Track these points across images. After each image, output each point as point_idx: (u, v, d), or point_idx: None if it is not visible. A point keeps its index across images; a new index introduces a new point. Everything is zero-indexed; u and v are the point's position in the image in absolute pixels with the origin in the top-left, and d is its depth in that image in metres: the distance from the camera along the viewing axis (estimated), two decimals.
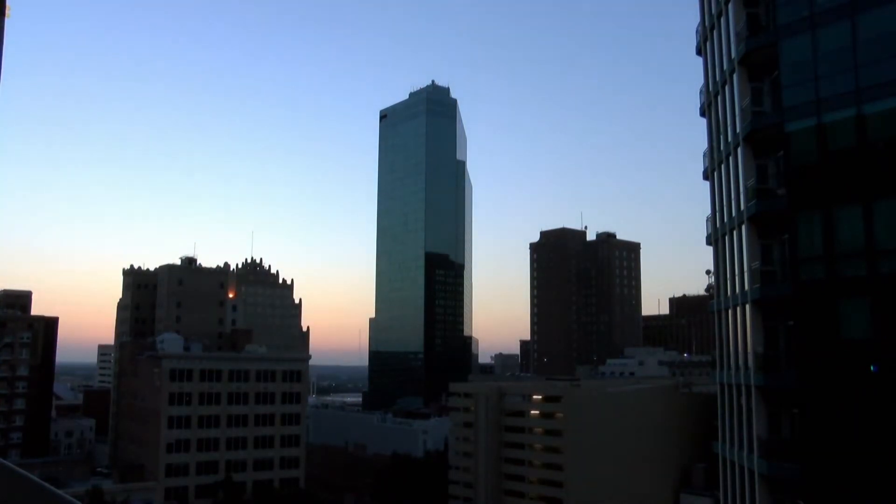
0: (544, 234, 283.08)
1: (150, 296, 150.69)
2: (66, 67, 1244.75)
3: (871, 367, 28.46)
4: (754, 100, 35.31)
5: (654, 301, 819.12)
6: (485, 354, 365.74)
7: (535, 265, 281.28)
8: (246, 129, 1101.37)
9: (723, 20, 38.65)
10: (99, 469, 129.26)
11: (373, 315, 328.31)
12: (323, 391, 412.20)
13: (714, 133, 41.51)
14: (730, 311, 38.46)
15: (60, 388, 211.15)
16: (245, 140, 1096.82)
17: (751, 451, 34.44)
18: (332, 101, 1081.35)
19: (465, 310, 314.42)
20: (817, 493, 30.18)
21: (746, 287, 35.35)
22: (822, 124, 30.88)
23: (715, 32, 40.36)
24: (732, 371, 37.91)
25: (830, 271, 30.44)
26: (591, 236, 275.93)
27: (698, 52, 44.08)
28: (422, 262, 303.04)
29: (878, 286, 28.66)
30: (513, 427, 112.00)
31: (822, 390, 30.33)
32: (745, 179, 35.49)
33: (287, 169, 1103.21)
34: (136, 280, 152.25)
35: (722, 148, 39.49)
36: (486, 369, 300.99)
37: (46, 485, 5.78)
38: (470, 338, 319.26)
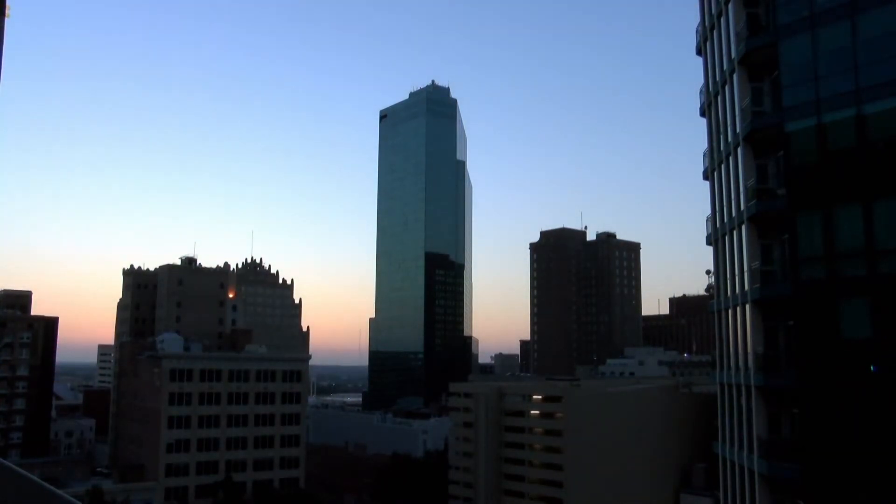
0: (544, 234, 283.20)
1: (150, 296, 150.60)
2: (67, 67, 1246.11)
3: (871, 367, 28.45)
4: (754, 100, 35.31)
5: (654, 301, 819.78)
6: (485, 354, 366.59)
7: (535, 265, 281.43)
8: (246, 129, 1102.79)
9: (723, 20, 38.64)
10: (99, 469, 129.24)
11: (373, 315, 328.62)
12: (323, 391, 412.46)
13: (714, 133, 41.49)
14: (730, 311, 38.46)
15: (60, 388, 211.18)
16: (245, 140, 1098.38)
17: (751, 451, 34.44)
18: (333, 101, 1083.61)
19: (465, 310, 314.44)
20: (817, 493, 30.17)
21: (746, 287, 35.35)
22: (822, 124, 30.85)
23: (715, 32, 40.34)
24: (732, 371, 37.91)
25: (830, 271, 30.41)
26: (591, 236, 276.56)
27: (698, 52, 44.06)
28: (422, 262, 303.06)
29: (878, 286, 28.65)
30: (513, 427, 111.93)
31: (822, 390, 30.32)
32: (745, 179, 35.49)
33: (287, 169, 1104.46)
34: (136, 280, 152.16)
35: (722, 148, 39.48)
36: (486, 369, 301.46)
37: (46, 485, 5.79)
38: (470, 338, 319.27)
